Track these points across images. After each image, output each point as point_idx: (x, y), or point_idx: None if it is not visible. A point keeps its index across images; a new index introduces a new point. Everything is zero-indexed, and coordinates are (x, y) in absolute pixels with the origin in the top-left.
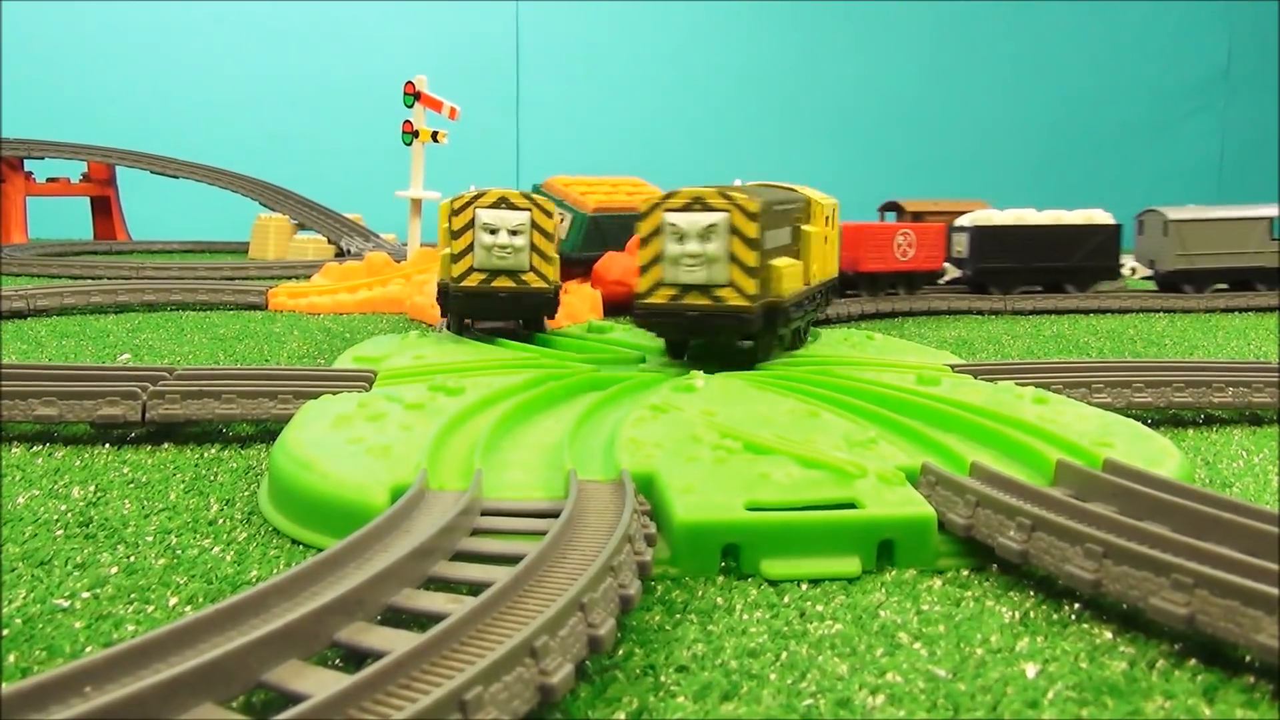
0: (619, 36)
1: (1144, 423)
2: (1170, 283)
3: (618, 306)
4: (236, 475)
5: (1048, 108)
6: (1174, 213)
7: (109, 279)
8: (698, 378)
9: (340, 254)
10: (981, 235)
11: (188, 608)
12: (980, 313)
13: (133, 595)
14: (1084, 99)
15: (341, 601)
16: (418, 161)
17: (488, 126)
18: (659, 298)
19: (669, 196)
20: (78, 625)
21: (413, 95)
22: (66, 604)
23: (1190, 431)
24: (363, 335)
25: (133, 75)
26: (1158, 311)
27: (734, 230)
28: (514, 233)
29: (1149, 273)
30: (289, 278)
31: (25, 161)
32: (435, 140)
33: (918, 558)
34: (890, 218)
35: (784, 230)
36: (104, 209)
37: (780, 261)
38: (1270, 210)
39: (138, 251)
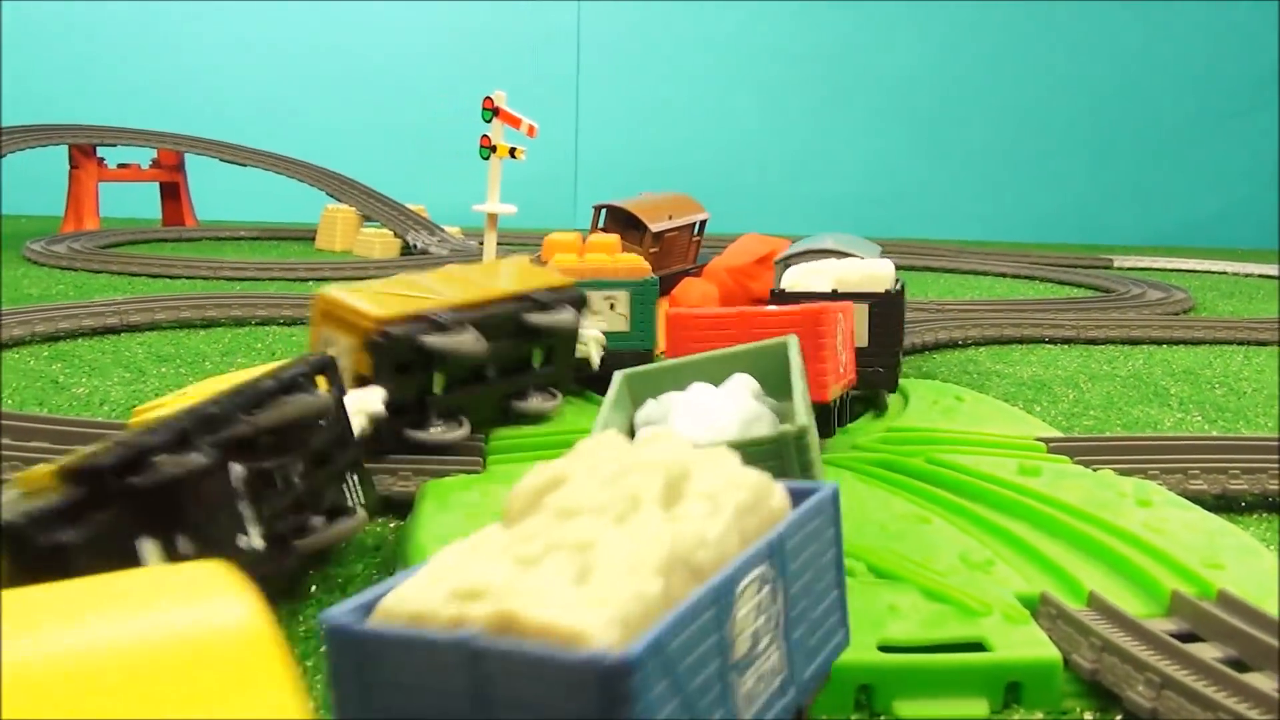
0: (683, 36)
1: (1239, 504)
2: None
3: None
4: (365, 555)
5: (1097, 106)
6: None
7: (185, 277)
8: None
9: (407, 249)
10: None
11: None
12: (1052, 341)
13: None
14: (1137, 95)
15: None
16: (495, 176)
17: (544, 125)
18: None
19: None
20: None
21: (491, 110)
22: None
23: None
24: None
25: (202, 61)
26: (1230, 343)
27: None
28: None
29: None
30: (361, 278)
31: (97, 148)
32: (513, 156)
33: (1043, 700)
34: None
35: None
36: (173, 194)
37: None
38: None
39: (205, 239)
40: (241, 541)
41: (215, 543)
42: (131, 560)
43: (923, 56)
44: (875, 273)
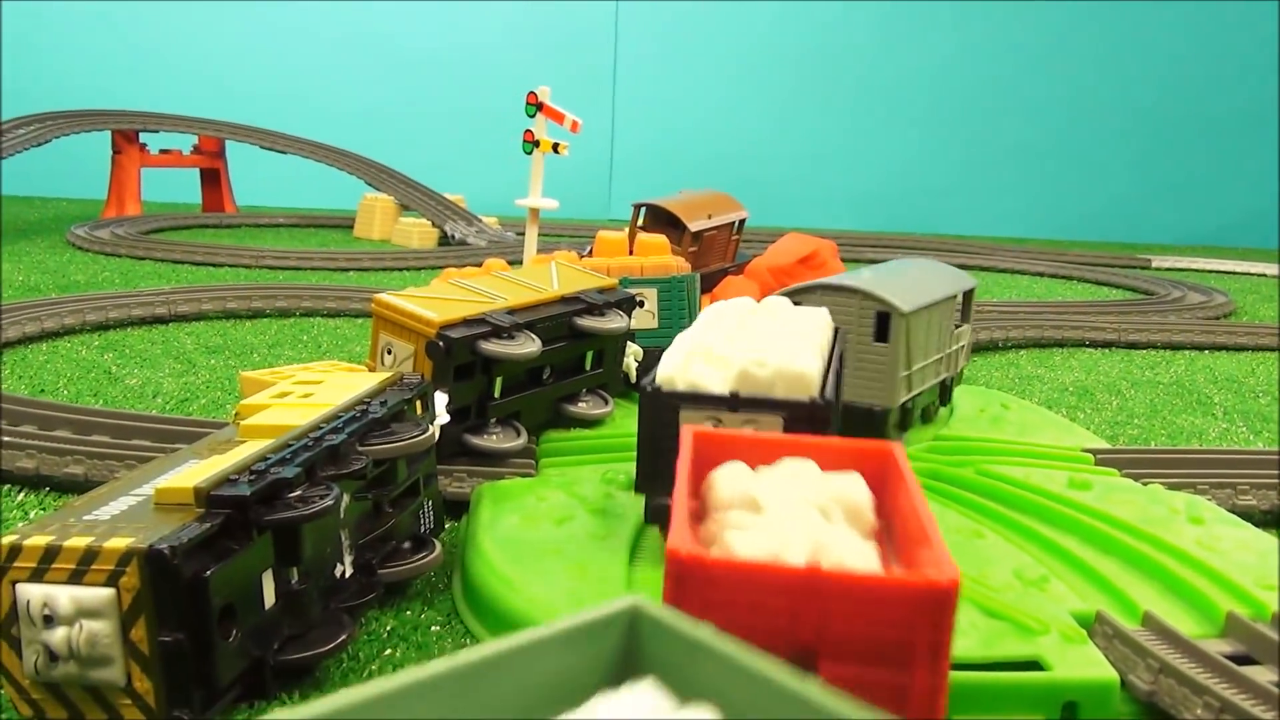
0: (719, 32)
1: None
2: None
3: None
4: None
5: (1133, 102)
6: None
7: (229, 265)
8: None
9: (444, 239)
10: None
11: None
12: (1093, 344)
13: None
14: (1174, 92)
15: None
16: (537, 171)
17: (581, 118)
18: None
19: None
20: None
21: (535, 106)
22: None
23: None
24: None
25: (244, 48)
26: (1272, 350)
27: None
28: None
29: None
30: (400, 269)
31: (140, 134)
32: (556, 151)
33: (1100, 717)
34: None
35: None
36: (213, 180)
37: None
38: None
39: (245, 225)
40: (336, 571)
41: (318, 574)
42: (255, 593)
43: (959, 52)
44: (796, 367)
